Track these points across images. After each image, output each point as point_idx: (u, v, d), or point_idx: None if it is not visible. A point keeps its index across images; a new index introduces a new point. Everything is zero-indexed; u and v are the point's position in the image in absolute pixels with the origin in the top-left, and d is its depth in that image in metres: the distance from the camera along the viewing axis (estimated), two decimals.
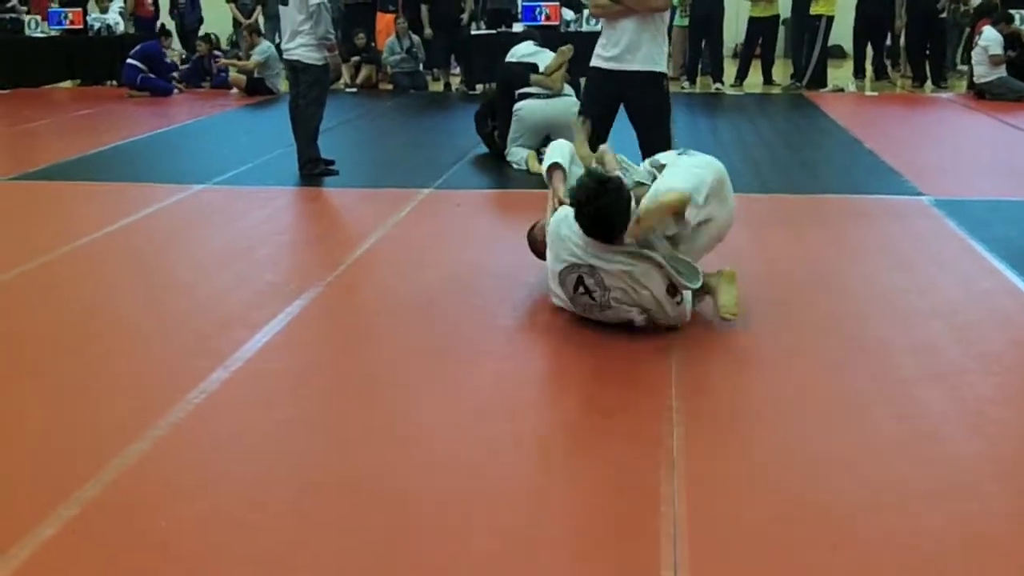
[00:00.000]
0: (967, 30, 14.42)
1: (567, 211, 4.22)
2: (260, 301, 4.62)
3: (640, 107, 5.72)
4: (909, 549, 2.63)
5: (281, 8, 7.55)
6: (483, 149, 8.51)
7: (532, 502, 2.87)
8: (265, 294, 4.74)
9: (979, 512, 2.80)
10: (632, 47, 5.54)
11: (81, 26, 14.58)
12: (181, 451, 3.21)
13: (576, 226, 4.09)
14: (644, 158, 5.20)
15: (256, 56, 12.92)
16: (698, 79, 14.19)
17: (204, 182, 7.35)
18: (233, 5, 15.41)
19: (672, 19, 14.67)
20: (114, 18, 14.84)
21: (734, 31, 14.41)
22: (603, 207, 3.98)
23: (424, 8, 13.76)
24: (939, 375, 3.75)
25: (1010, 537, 2.69)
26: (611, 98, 5.73)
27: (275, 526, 2.76)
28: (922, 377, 3.74)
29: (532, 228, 4.88)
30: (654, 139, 5.60)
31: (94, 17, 14.80)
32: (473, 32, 13.75)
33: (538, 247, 4.74)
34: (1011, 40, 12.25)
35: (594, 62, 5.74)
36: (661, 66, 5.67)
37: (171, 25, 15.92)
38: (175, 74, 13.54)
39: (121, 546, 2.67)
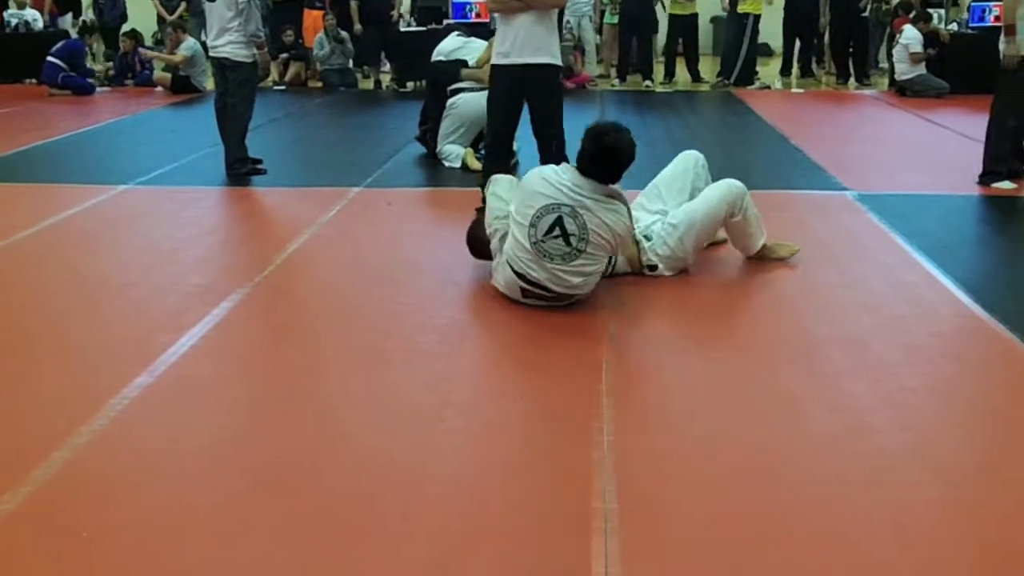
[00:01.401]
0: (888, 28, 14.69)
1: (539, 169, 4.52)
2: (187, 303, 4.54)
3: (543, 99, 5.98)
4: (840, 540, 2.66)
5: (207, 4, 7.43)
6: (415, 147, 8.47)
7: (465, 502, 2.85)
8: (192, 296, 4.66)
9: (906, 501, 2.85)
10: (532, 41, 5.78)
11: None
12: (104, 459, 3.13)
13: (565, 173, 4.32)
14: (541, 147, 5.96)
15: (183, 50, 12.70)
16: (628, 77, 14.26)
17: (128, 182, 7.21)
18: (156, 1, 15.15)
19: (603, 17, 14.77)
20: (33, 15, 14.50)
21: (663, 29, 14.54)
22: (619, 140, 4.26)
23: (353, 4, 13.66)
24: (867, 368, 3.81)
25: (937, 524, 2.74)
26: (517, 94, 5.96)
27: (203, 533, 2.71)
28: (851, 370, 3.79)
29: (473, 225, 4.92)
30: (553, 131, 5.98)
31: (11, 13, 14.43)
32: (403, 29, 13.67)
33: (479, 244, 4.82)
34: (931, 38, 12.52)
35: (498, 61, 5.96)
36: (559, 59, 5.97)
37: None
38: (93, 80, 13.25)
39: (42, 558, 2.60)
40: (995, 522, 2.77)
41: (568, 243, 4.22)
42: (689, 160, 5.27)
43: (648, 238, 4.83)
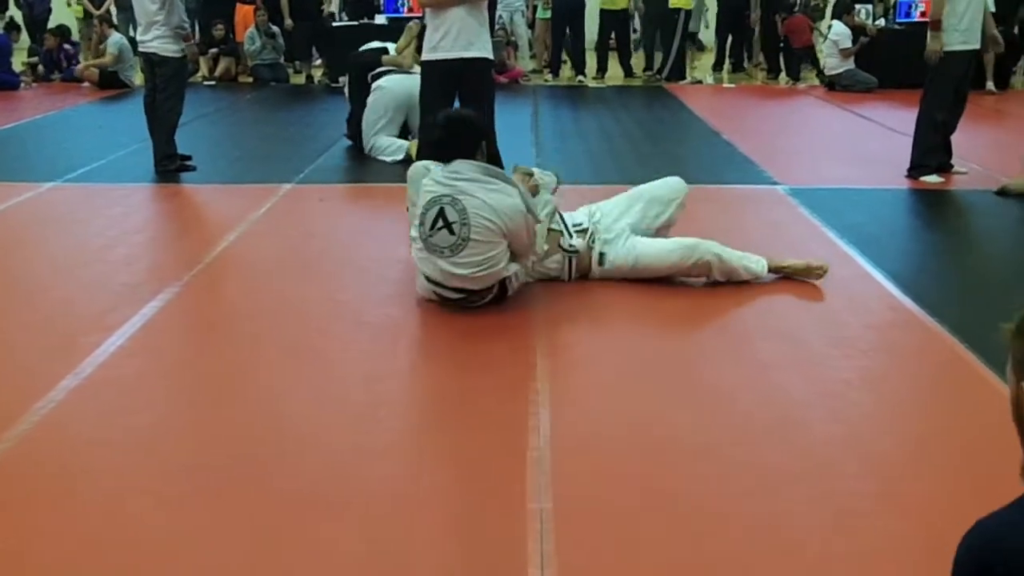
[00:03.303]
0: (780, 26, 14.82)
1: (423, 164, 4.48)
2: (115, 303, 4.44)
3: (474, 93, 5.98)
4: (776, 532, 2.68)
5: None
6: (346, 143, 8.40)
7: (400, 505, 2.82)
8: (121, 295, 4.56)
9: (841, 492, 2.87)
10: (466, 34, 5.81)
11: None
12: (29, 464, 3.05)
13: (438, 166, 4.27)
14: None
15: (110, 49, 12.47)
16: (560, 71, 14.28)
17: (55, 179, 7.05)
18: None
19: (535, 12, 14.78)
20: None
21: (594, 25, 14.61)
22: (447, 115, 4.46)
23: None
24: (800, 361, 3.85)
25: (871, 515, 2.76)
26: (450, 88, 5.98)
27: (133, 538, 2.64)
28: (784, 363, 3.82)
29: None
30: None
31: None
32: (335, 23, 13.55)
33: None
34: (860, 32, 12.73)
35: (429, 56, 5.95)
36: (491, 53, 6.02)
37: (18, 16, 15.25)
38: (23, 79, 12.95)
39: None
40: (927, 513, 2.81)
41: (452, 232, 4.10)
42: (676, 192, 5.03)
43: (607, 240, 4.69)
